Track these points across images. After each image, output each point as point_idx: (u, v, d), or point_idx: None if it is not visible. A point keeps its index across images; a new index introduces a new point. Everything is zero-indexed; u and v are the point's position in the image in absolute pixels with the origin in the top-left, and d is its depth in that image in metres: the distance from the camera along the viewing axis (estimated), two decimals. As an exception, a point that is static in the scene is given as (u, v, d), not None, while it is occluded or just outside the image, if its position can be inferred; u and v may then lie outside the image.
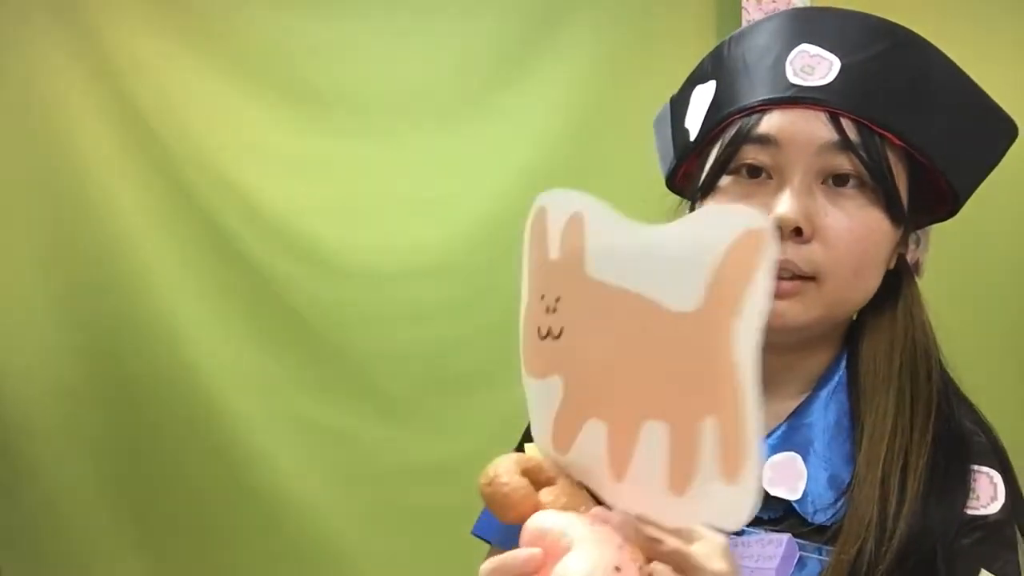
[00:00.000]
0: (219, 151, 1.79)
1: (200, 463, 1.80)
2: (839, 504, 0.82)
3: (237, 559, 1.82)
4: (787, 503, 0.81)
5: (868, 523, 0.79)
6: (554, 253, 0.72)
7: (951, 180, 0.86)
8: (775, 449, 0.84)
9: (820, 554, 0.79)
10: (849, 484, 0.83)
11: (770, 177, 0.83)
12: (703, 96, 0.90)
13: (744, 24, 1.28)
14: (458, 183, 1.83)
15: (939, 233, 1.63)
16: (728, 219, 0.64)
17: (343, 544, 1.82)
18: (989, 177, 1.71)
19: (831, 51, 0.85)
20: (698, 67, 0.94)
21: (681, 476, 0.64)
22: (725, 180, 0.84)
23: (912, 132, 0.84)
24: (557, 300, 0.71)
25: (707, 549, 0.66)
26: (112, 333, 1.78)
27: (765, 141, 0.83)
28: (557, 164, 1.79)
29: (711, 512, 0.64)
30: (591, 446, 0.69)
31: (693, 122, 0.90)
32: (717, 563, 0.66)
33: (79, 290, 1.79)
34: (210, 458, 1.80)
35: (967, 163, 0.88)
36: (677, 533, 0.66)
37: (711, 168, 0.86)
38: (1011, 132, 0.90)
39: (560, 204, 0.73)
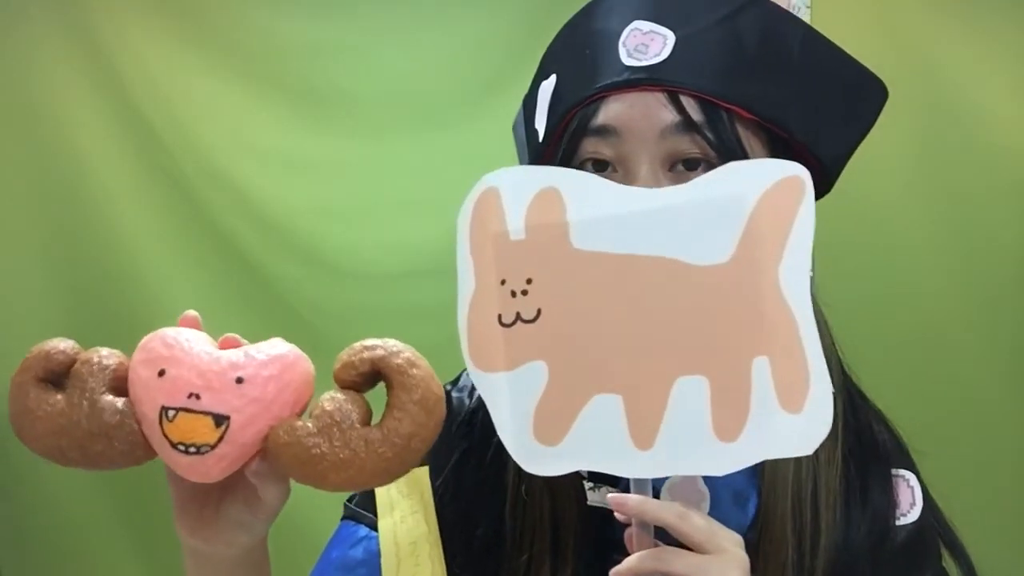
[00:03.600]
0: (219, 151, 1.78)
1: (200, 463, 1.79)
2: (748, 525, 0.77)
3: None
4: None
5: (784, 564, 0.75)
6: (517, 234, 0.69)
7: (814, 151, 0.78)
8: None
9: None
10: (757, 510, 0.77)
11: (615, 170, 0.77)
12: (546, 93, 0.83)
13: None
14: (458, 183, 1.78)
15: (941, 233, 1.63)
16: (758, 170, 0.65)
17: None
18: (990, 177, 1.70)
19: (665, 25, 0.77)
20: (540, 61, 0.87)
21: (730, 422, 0.64)
22: None
23: (762, 103, 0.76)
24: (528, 282, 0.68)
25: (728, 531, 0.66)
26: (112, 333, 1.75)
27: (604, 132, 0.76)
28: (556, 164, 1.79)
29: (776, 445, 0.64)
30: (602, 422, 0.67)
31: (541, 122, 0.84)
32: (739, 543, 0.66)
33: (79, 290, 1.78)
34: (210, 458, 1.78)
35: (832, 131, 0.80)
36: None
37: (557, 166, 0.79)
38: (879, 95, 0.82)
39: (518, 182, 0.70)
